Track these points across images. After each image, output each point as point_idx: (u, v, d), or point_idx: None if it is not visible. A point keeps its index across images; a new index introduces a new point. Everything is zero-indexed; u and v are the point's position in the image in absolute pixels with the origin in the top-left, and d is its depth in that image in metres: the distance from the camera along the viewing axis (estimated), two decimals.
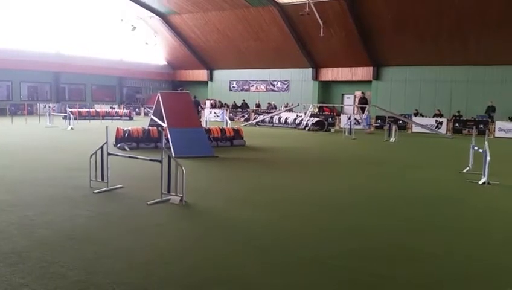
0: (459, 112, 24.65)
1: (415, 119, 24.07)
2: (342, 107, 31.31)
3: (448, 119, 23.46)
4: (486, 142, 8.91)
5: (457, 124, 23.24)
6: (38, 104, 29.08)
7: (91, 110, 27.64)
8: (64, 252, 4.45)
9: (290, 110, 27.04)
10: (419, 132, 22.48)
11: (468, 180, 9.03)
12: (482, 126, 21.36)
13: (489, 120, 22.73)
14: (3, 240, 4.75)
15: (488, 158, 8.58)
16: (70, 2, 29.46)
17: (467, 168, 9.98)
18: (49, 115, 21.01)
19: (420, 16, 23.75)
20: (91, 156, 7.37)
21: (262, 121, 25.73)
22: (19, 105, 28.40)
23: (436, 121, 23.18)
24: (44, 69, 29.83)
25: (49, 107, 26.60)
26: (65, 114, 20.10)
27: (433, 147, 16.54)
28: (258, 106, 31.79)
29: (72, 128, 18.98)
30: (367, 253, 4.72)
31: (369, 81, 29.87)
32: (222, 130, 14.34)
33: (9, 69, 27.86)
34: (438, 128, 22.67)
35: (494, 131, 21.43)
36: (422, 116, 24.85)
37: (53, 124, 20.24)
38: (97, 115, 26.35)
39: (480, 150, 9.05)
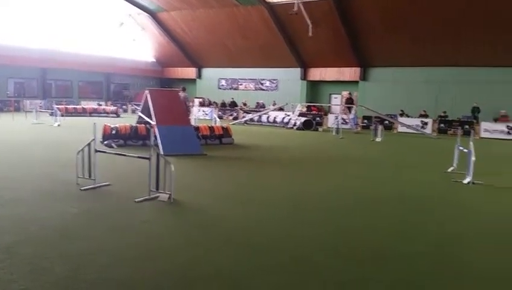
0: (444, 112, 24.97)
1: (400, 119, 24.31)
2: (329, 106, 31.51)
3: (433, 120, 23.75)
4: (471, 142, 9.02)
5: (442, 125, 23.54)
6: (25, 101, 28.66)
7: (78, 106, 27.39)
8: (52, 248, 4.45)
9: (280, 109, 27.09)
10: (404, 132, 22.72)
11: (453, 179, 9.18)
12: (467, 126, 21.66)
13: (475, 121, 23.06)
14: None
15: (473, 158, 8.72)
16: None
17: (452, 168, 10.13)
18: (36, 111, 20.77)
19: (407, 17, 23.93)
20: (78, 152, 7.33)
21: (251, 119, 25.76)
22: (5, 101, 27.96)
23: (422, 121, 23.46)
24: (31, 65, 29.40)
25: (36, 103, 26.26)
26: (52, 111, 19.86)
27: (418, 146, 16.74)
28: (244, 104, 31.80)
29: (58, 125, 18.78)
30: (353, 253, 4.76)
31: (357, 82, 30.09)
32: (211, 128, 14.35)
33: None
34: (424, 129, 22.94)
35: (479, 132, 21.69)
36: (408, 117, 25.13)
37: (40, 121, 20.01)
38: (84, 112, 26.11)
39: (465, 150, 9.18)
